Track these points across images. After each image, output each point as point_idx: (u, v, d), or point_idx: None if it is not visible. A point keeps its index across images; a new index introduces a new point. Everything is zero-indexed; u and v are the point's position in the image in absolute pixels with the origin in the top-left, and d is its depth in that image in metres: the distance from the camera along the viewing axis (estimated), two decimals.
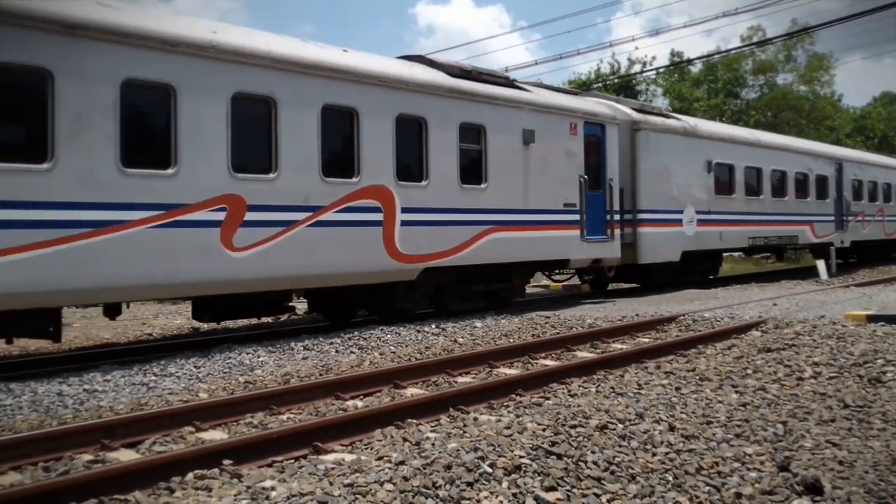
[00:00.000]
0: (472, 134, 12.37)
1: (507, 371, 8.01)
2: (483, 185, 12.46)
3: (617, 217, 14.98)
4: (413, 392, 7.07)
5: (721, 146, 18.55)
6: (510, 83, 13.66)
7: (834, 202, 23.38)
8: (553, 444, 4.64)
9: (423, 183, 11.57)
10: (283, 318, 13.88)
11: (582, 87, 38.85)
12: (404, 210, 11.21)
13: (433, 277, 11.88)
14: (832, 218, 23.18)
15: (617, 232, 14.95)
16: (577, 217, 14.07)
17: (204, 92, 9.01)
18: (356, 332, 10.43)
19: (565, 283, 18.87)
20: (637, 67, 41.75)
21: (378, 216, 10.91)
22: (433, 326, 11.05)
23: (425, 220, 11.55)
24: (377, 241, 10.84)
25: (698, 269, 18.30)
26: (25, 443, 5.24)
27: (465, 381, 7.57)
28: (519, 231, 13.02)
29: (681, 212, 16.82)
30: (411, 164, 11.52)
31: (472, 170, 12.40)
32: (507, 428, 4.97)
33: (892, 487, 4.25)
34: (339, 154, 10.70)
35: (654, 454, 4.71)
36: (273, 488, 4.07)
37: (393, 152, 11.09)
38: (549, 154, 13.62)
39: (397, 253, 11.12)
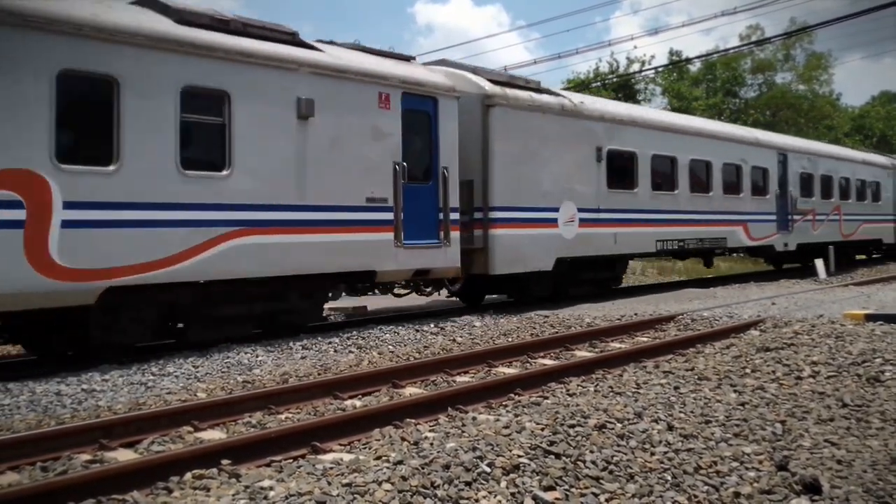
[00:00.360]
0: (206, 102, 9.24)
1: (506, 370, 8.01)
2: (225, 172, 9.33)
3: (455, 216, 12.07)
4: (411, 391, 7.07)
5: (618, 130, 15.35)
6: (291, 40, 10.50)
7: (776, 199, 20.40)
8: (551, 443, 4.64)
9: (111, 168, 8.40)
10: None
11: (580, 86, 38.89)
12: (70, 205, 8.03)
13: (147, 298, 8.84)
14: (773, 217, 20.27)
15: (455, 235, 12.01)
16: (389, 216, 11.02)
17: None
18: (355, 332, 10.43)
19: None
20: (636, 66, 41.79)
21: (13, 214, 7.66)
22: (432, 326, 11.06)
23: (113, 220, 8.42)
24: (12, 249, 7.64)
25: (587, 279, 15.21)
26: (23, 443, 5.23)
27: (463, 380, 7.57)
28: (290, 234, 9.95)
29: (555, 209, 13.76)
30: (89, 141, 8.49)
31: (206, 151, 9.38)
32: (506, 427, 4.97)
33: (891, 486, 4.25)
34: None
35: (652, 453, 4.71)
36: (271, 488, 4.06)
37: (51, 123, 7.91)
38: (341, 133, 10.55)
39: (53, 266, 7.92)
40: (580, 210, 14.25)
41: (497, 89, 13.02)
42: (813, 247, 21.89)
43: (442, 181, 11.85)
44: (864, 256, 27.32)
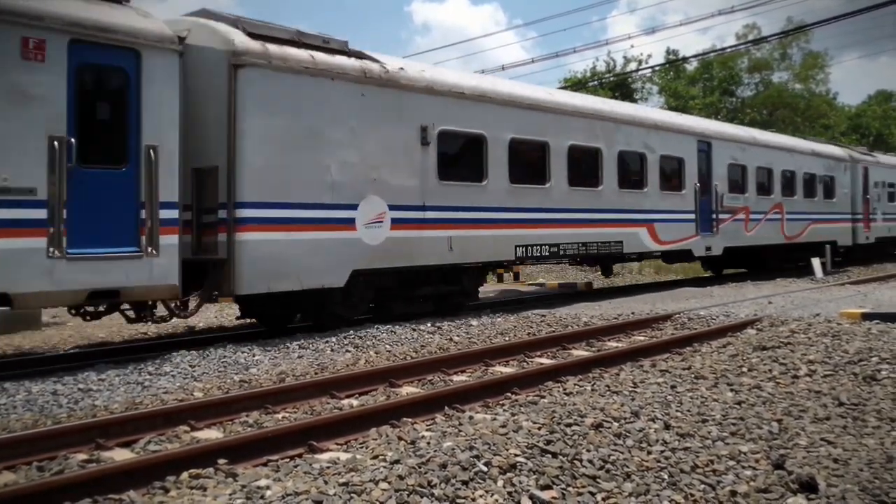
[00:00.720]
0: None
1: (503, 369, 8.01)
2: None
3: (172, 214, 8.91)
4: (408, 391, 7.07)
5: (457, 106, 12.11)
6: None
7: (695, 195, 17.21)
8: (548, 442, 4.64)
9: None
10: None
11: (577, 84, 38.93)
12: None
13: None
14: (691, 216, 17.13)
15: (169, 240, 8.87)
16: (38, 213, 7.90)
17: None
18: (351, 331, 10.42)
19: (562, 282, 18.45)
20: (633, 66, 41.84)
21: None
22: (429, 325, 11.05)
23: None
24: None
25: (421, 294, 12.21)
26: (20, 442, 5.23)
27: (460, 379, 7.57)
28: None
29: (352, 207, 10.57)
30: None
31: None
32: (503, 427, 4.97)
33: (887, 485, 4.26)
34: None
35: (649, 452, 4.71)
36: (268, 487, 4.06)
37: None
38: None
39: None
40: (394, 207, 11.09)
41: (253, 45, 9.67)
42: (746, 251, 19.70)
43: (146, 165, 8.67)
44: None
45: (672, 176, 16.85)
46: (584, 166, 14.50)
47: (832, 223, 23.24)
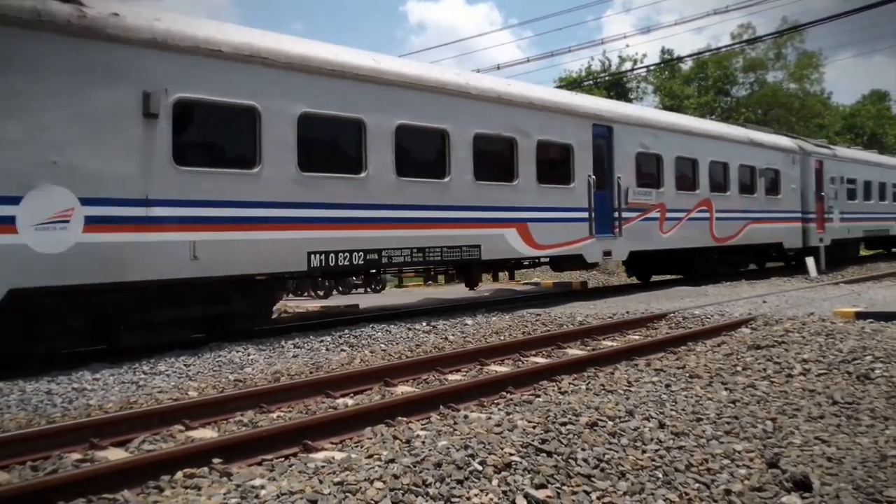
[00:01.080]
0: None
1: (498, 369, 8.02)
2: None
3: None
4: (403, 390, 7.07)
5: (203, 67, 9.20)
6: None
7: (589, 189, 14.39)
8: (543, 441, 4.65)
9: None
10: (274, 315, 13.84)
11: (573, 84, 38.96)
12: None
13: None
14: (584, 214, 14.32)
15: None
16: None
17: None
18: (347, 330, 10.42)
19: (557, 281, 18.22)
20: (628, 65, 41.93)
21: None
22: (424, 324, 11.05)
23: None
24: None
25: (172, 319, 9.33)
26: (13, 442, 5.21)
27: (455, 378, 7.57)
28: None
29: (11, 200, 7.76)
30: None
31: None
32: (498, 426, 4.97)
33: (881, 483, 4.27)
34: None
35: (644, 451, 4.72)
36: (263, 487, 4.06)
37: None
38: None
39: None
40: (91, 202, 8.24)
41: None
42: (663, 255, 17.16)
43: None
44: (755, 266, 21.46)
45: (556, 166, 13.97)
46: (421, 153, 11.82)
47: (777, 223, 20.45)
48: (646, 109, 18.88)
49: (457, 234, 12.03)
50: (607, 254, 14.87)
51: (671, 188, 16.56)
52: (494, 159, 12.87)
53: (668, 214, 16.40)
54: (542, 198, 13.51)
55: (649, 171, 16.05)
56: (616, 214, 15.04)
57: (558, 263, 15.14)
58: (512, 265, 15.36)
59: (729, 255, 19.24)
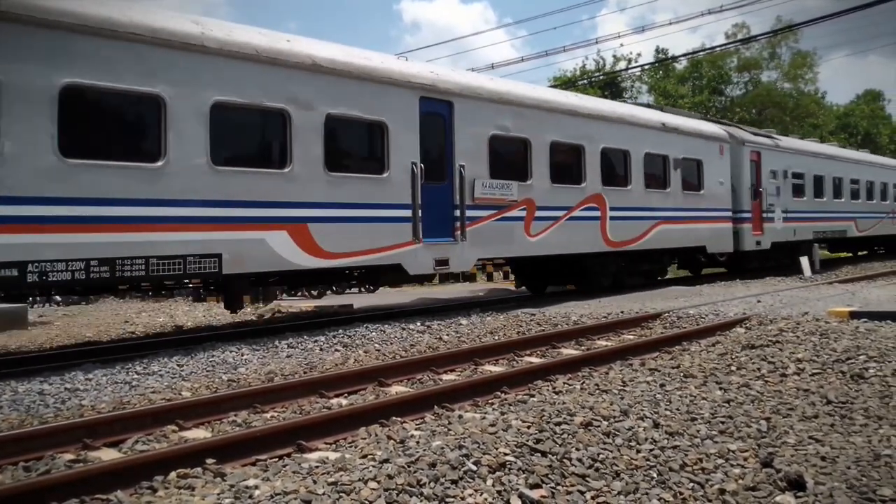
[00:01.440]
0: None
1: (492, 368, 8.01)
2: None
3: None
4: (398, 390, 7.06)
5: None
6: None
7: (413, 181, 11.44)
8: (538, 441, 4.64)
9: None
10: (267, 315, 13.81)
11: (567, 83, 39.00)
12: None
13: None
14: (405, 213, 11.41)
15: None
16: None
17: None
18: (341, 330, 10.40)
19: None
20: (622, 64, 41.99)
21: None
22: (418, 324, 11.04)
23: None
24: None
25: None
26: (6, 442, 5.18)
27: (449, 378, 7.56)
28: None
29: None
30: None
31: None
32: (492, 425, 4.97)
33: (874, 483, 4.28)
34: None
35: (638, 451, 4.72)
36: (256, 487, 4.05)
37: None
38: None
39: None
40: None
41: None
42: (534, 261, 14.47)
43: None
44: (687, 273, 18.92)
45: (358, 151, 11.34)
46: (113, 127, 8.70)
47: (698, 223, 17.44)
48: (506, 82, 14.46)
49: (177, 240, 8.87)
50: (442, 263, 11.88)
51: (543, 180, 13.59)
52: (254, 139, 10.09)
53: (539, 213, 13.45)
54: (333, 191, 10.46)
55: (510, 160, 13.17)
56: (457, 213, 12.12)
57: (372, 276, 12.11)
58: (291, 278, 11.55)
59: (637, 262, 16.59)
